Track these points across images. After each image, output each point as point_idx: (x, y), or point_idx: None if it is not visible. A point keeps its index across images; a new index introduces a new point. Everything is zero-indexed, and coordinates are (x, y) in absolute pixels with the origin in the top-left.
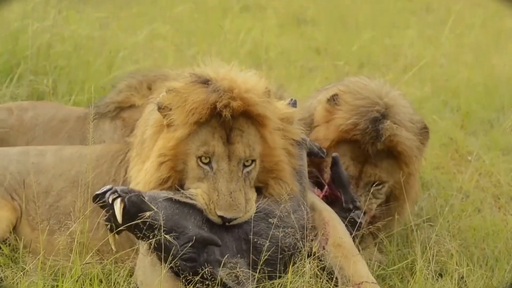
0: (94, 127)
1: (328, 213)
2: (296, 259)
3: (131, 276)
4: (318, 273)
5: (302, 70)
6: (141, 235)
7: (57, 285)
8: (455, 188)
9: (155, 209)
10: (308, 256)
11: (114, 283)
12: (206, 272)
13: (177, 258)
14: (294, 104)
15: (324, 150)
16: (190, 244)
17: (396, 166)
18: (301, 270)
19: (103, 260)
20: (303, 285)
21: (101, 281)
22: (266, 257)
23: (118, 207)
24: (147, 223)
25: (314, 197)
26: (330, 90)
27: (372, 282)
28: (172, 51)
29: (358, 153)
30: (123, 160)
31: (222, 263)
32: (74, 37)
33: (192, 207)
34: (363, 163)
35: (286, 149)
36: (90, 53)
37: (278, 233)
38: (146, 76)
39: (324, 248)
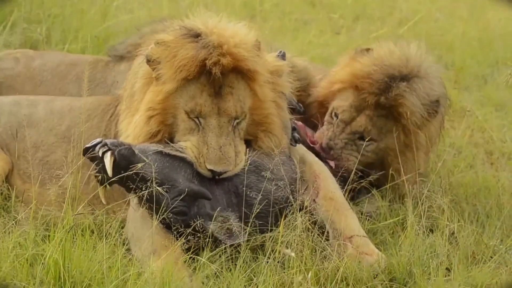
0: (110, 68)
1: (319, 166)
2: (287, 212)
3: (122, 227)
4: (310, 227)
5: (297, 22)
6: (133, 187)
7: (49, 235)
8: (447, 143)
9: (147, 161)
10: (300, 210)
11: (105, 234)
12: (197, 225)
13: (168, 211)
14: (283, 56)
15: (301, 105)
16: (180, 197)
17: (392, 129)
18: (292, 223)
19: (95, 211)
20: (295, 239)
21: (92, 232)
22: (257, 210)
23: (108, 160)
24: (139, 175)
25: (304, 150)
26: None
27: (363, 236)
28: (167, 1)
29: (359, 102)
30: (114, 114)
31: (214, 217)
32: None
33: (182, 160)
34: (358, 112)
35: (275, 101)
36: (84, 1)
37: (269, 186)
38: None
39: (315, 201)
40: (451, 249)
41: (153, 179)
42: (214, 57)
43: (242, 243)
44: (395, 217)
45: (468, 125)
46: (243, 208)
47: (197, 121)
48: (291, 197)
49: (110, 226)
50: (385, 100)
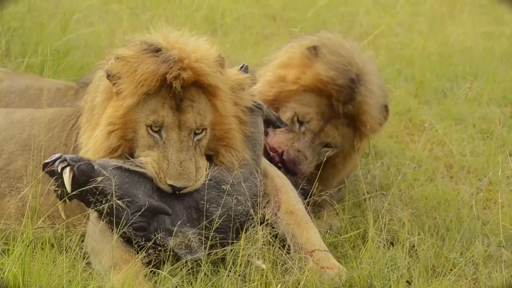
0: (80, 97)
1: (281, 180)
2: (248, 226)
3: (82, 241)
4: (271, 240)
5: (258, 36)
6: (92, 202)
7: (8, 249)
8: (408, 157)
9: (107, 175)
10: (261, 223)
11: (65, 248)
12: (158, 240)
13: (127, 226)
14: (245, 69)
15: (283, 121)
16: (140, 212)
17: (352, 136)
18: (253, 237)
19: (55, 224)
20: (256, 252)
21: (52, 246)
22: (217, 224)
23: (67, 176)
24: (98, 189)
25: (267, 164)
26: (302, 40)
27: (324, 250)
28: (127, 14)
29: (326, 110)
30: (75, 124)
31: (173, 232)
32: None
33: (142, 175)
34: (326, 121)
35: (237, 116)
36: (44, 15)
37: (229, 201)
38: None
39: (276, 215)
40: (411, 262)
41: (113, 192)
42: (174, 71)
43: (202, 258)
44: (356, 230)
45: (428, 138)
46: (203, 223)
47: (158, 136)
48: (251, 210)
49: (70, 240)
50: (352, 108)
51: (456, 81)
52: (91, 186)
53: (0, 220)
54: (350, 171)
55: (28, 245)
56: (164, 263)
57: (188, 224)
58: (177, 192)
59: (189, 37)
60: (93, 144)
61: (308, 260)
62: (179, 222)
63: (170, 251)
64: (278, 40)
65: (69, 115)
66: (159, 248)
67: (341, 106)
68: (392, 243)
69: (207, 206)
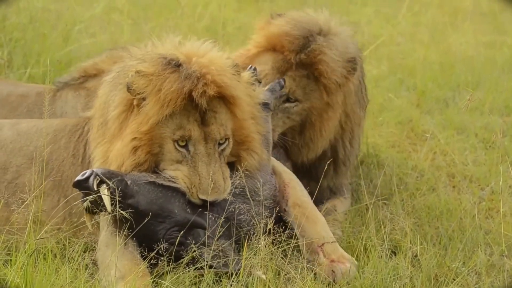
0: (57, 98)
1: (287, 175)
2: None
3: (85, 251)
4: (273, 250)
5: None
6: (124, 217)
7: (11, 260)
8: (410, 166)
9: (139, 193)
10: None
11: (68, 258)
12: (195, 254)
13: (165, 242)
14: (254, 70)
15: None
16: (177, 228)
17: (316, 89)
18: (256, 247)
19: (58, 234)
20: (258, 262)
21: (55, 256)
22: (246, 231)
23: (106, 195)
24: (133, 205)
25: (274, 161)
26: None
27: (332, 242)
28: (129, 25)
29: (281, 64)
30: (81, 135)
31: (210, 245)
32: (30, 9)
33: (175, 190)
34: (282, 74)
35: (253, 116)
36: (45, 25)
37: (256, 207)
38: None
39: (285, 210)
40: (414, 272)
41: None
42: (199, 88)
43: (239, 270)
44: (358, 240)
45: (430, 148)
46: (233, 233)
47: (185, 150)
48: (254, 220)
49: (73, 250)
50: (305, 56)
51: (458, 91)
52: (128, 202)
53: (8, 232)
54: (332, 132)
55: (31, 255)
56: (166, 272)
57: (221, 236)
58: (206, 204)
59: (200, 46)
60: (115, 158)
61: (319, 255)
62: (213, 235)
63: (206, 265)
64: None
65: (75, 125)
66: (196, 262)
67: (293, 55)
68: (394, 253)
69: (236, 214)
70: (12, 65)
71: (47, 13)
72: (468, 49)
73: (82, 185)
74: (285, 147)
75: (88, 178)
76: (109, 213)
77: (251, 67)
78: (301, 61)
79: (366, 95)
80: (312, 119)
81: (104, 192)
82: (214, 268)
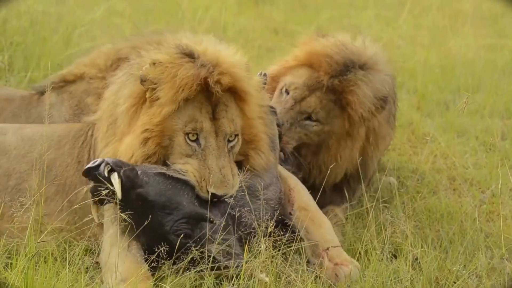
0: (42, 101)
1: (293, 180)
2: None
3: (85, 254)
4: (274, 253)
5: (260, 49)
6: (131, 209)
7: (11, 263)
8: (410, 169)
9: (148, 184)
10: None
11: (69, 261)
12: (200, 249)
13: (171, 234)
14: (264, 75)
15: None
16: (185, 220)
17: (339, 116)
18: (257, 249)
19: (59, 237)
20: (259, 265)
21: (56, 259)
22: (251, 229)
23: (117, 182)
24: (142, 195)
25: (278, 166)
26: None
27: (337, 246)
28: (130, 28)
29: (313, 82)
30: (85, 141)
31: (216, 239)
32: (30, 13)
33: (185, 183)
34: (310, 92)
35: (261, 117)
36: (46, 29)
37: (261, 206)
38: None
39: (291, 214)
40: (414, 275)
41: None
42: (215, 75)
43: (241, 265)
44: (359, 243)
45: (431, 151)
46: (236, 228)
47: (196, 145)
48: (255, 223)
49: (74, 253)
50: (339, 83)
51: (459, 94)
52: (137, 192)
53: (10, 237)
54: (349, 161)
55: (31, 259)
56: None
57: (226, 231)
58: (214, 200)
59: (216, 42)
60: (125, 150)
61: (324, 259)
62: (219, 229)
63: (210, 260)
64: (280, 54)
65: (78, 131)
66: (201, 256)
67: (327, 78)
68: (395, 256)
69: (241, 212)
70: (13, 69)
71: (47, 16)
72: (468, 52)
73: (92, 173)
74: (298, 163)
75: (99, 165)
76: (117, 202)
77: (261, 73)
78: (333, 85)
79: (395, 117)
80: (330, 143)
81: (115, 179)
82: (217, 261)
